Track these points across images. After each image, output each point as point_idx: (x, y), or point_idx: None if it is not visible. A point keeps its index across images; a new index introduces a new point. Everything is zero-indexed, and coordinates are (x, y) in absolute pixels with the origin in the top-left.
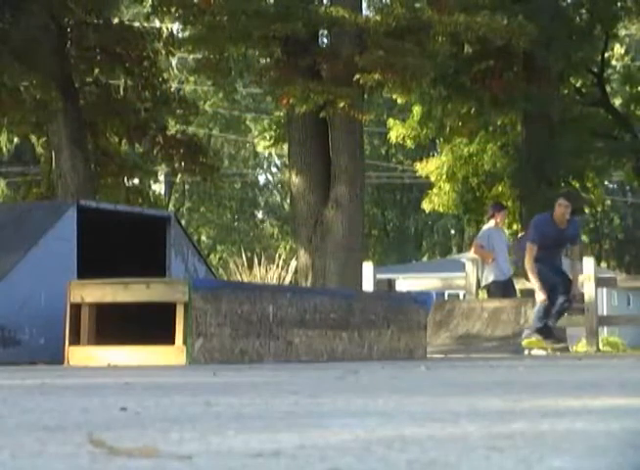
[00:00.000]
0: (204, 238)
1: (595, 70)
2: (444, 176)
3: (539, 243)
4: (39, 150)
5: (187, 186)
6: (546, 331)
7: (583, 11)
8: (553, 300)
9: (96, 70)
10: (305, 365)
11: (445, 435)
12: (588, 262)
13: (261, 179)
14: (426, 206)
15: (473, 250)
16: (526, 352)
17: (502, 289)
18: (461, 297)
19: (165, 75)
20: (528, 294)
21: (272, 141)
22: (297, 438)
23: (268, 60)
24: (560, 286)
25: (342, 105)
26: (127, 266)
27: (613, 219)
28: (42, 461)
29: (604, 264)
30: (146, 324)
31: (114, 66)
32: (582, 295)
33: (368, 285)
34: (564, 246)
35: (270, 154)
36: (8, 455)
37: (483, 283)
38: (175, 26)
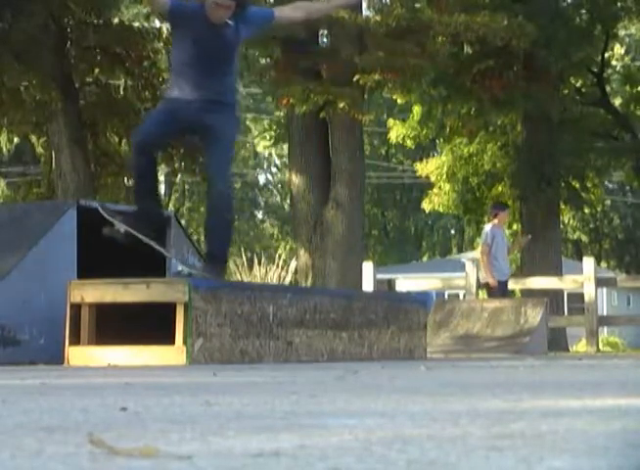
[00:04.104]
0: (203, 238)
1: (595, 70)
2: (444, 176)
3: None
4: (39, 150)
5: (187, 186)
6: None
7: (583, 11)
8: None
9: (96, 71)
10: (305, 365)
11: (445, 435)
12: (588, 262)
13: (261, 179)
14: (426, 206)
15: (482, 256)
16: None
17: (502, 289)
18: (461, 297)
19: (165, 75)
20: (529, 294)
21: (272, 141)
22: (297, 438)
23: (268, 60)
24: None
25: (342, 105)
26: (127, 266)
27: (613, 219)
28: (42, 461)
29: (604, 264)
30: (146, 324)
31: (114, 66)
32: None
33: (368, 285)
34: (223, 58)
35: (270, 154)
36: (8, 455)
37: (483, 281)
38: None
